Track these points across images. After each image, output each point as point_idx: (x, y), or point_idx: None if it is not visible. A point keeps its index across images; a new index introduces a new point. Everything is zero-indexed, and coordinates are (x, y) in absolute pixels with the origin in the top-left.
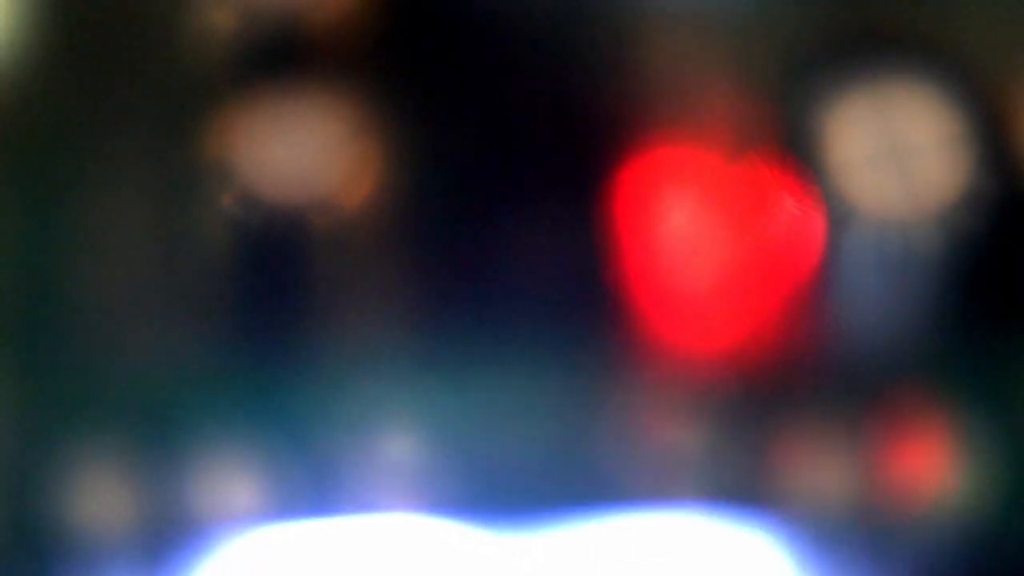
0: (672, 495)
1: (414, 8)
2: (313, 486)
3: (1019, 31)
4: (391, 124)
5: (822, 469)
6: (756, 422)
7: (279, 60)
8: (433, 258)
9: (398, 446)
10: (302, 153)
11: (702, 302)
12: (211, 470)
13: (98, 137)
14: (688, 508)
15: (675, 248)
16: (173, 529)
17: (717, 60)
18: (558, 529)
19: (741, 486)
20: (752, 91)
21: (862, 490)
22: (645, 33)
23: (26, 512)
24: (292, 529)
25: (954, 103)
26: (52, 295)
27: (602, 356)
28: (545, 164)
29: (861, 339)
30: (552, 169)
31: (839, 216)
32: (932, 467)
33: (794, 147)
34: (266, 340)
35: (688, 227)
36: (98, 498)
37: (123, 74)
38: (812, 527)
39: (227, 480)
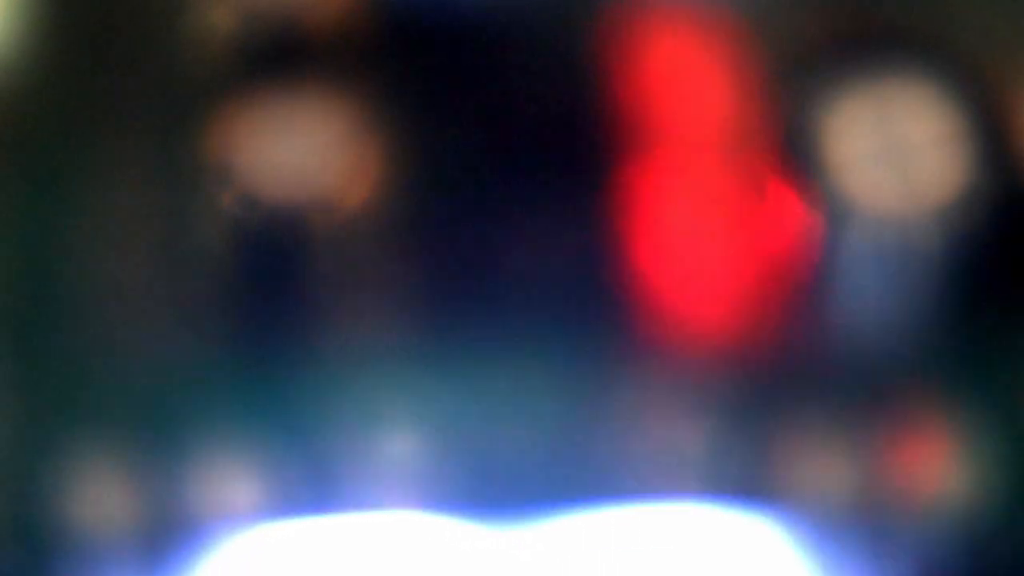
0: (674, 490)
1: (414, 7)
2: (312, 484)
3: (1018, 29)
4: (391, 123)
5: (823, 464)
6: (757, 418)
7: (279, 59)
8: (432, 257)
9: (398, 444)
10: (302, 153)
11: (703, 299)
12: (211, 467)
13: (96, 137)
14: (691, 503)
15: (675, 246)
16: (172, 527)
17: (717, 59)
18: (560, 526)
19: (743, 481)
20: (752, 90)
21: (863, 485)
22: (645, 32)
23: (25, 509)
24: (291, 527)
25: (953, 100)
26: (52, 293)
27: (603, 353)
28: (546, 162)
29: (861, 336)
30: (553, 167)
31: (838, 214)
32: (933, 462)
33: (793, 145)
34: (266, 338)
35: (688, 224)
36: (97, 496)
37: (122, 73)
38: (813, 522)
39: (226, 478)
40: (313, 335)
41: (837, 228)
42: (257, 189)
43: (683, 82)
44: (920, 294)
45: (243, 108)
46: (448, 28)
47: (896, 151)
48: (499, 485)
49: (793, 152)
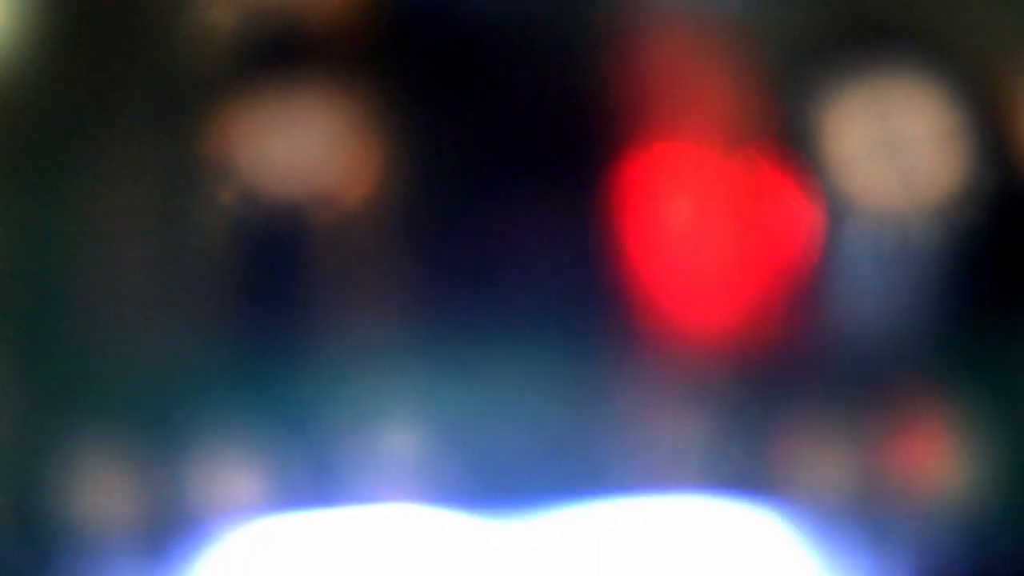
0: (675, 483)
1: (413, 4)
2: (313, 478)
3: (1016, 25)
4: (391, 119)
5: (823, 457)
6: (756, 411)
7: (279, 56)
8: (431, 253)
9: (399, 438)
10: (302, 149)
11: (701, 294)
12: (213, 461)
13: (97, 133)
14: (691, 496)
15: (675, 241)
16: (174, 521)
17: (715, 55)
18: (560, 519)
19: (743, 474)
20: (750, 85)
21: (863, 478)
22: (644, 28)
23: (27, 504)
24: (293, 520)
25: (952, 96)
26: (52, 289)
27: (603, 347)
28: (545, 158)
29: (860, 330)
30: (552, 163)
31: (837, 210)
32: (932, 455)
33: (792, 141)
34: (266, 333)
35: (687, 220)
36: (98, 490)
37: (123, 70)
38: (813, 515)
39: (228, 471)
40: (313, 329)
41: (836, 224)
42: (258, 185)
43: (682, 78)
44: (918, 289)
45: (244, 104)
46: (448, 24)
47: (895, 147)
48: (499, 478)
49: (792, 148)
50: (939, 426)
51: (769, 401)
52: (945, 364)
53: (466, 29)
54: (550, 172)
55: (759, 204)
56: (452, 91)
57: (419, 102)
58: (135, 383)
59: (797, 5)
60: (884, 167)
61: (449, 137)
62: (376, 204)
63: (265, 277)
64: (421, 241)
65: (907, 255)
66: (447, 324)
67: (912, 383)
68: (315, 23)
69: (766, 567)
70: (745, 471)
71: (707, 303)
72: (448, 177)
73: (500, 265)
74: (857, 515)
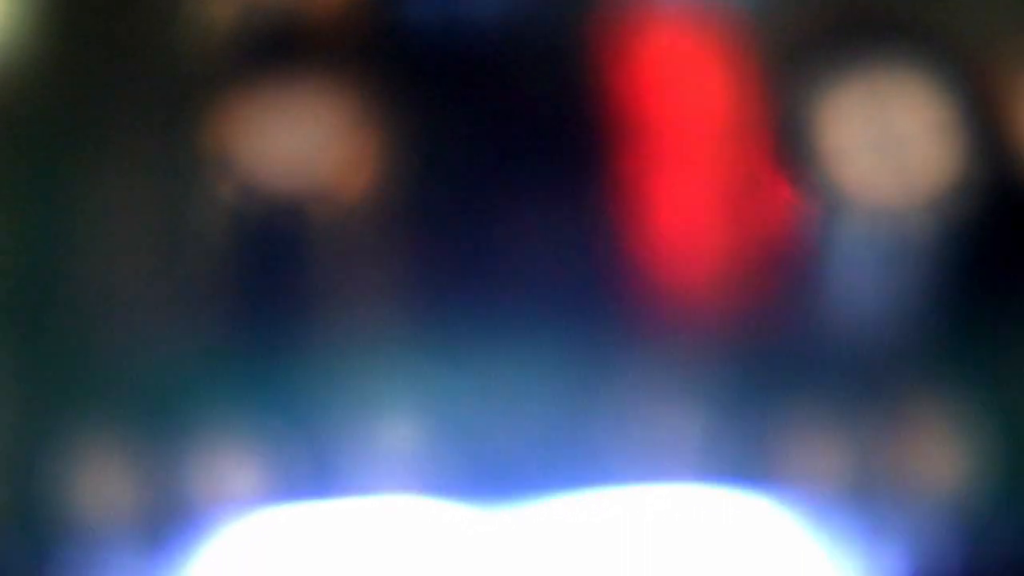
0: (672, 473)
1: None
2: (311, 469)
3: (1012, 19)
4: (390, 114)
5: (821, 447)
6: (753, 402)
7: (279, 51)
8: (430, 246)
9: (396, 429)
10: (302, 144)
11: (700, 286)
12: (211, 453)
13: (97, 128)
14: (689, 486)
15: (672, 234)
16: (173, 512)
17: (712, 51)
18: (558, 508)
19: (741, 464)
20: (747, 81)
21: (860, 468)
22: (641, 25)
23: (27, 495)
24: (291, 511)
25: (947, 91)
26: (53, 283)
27: (600, 338)
28: (544, 153)
29: (856, 322)
30: (551, 157)
31: (833, 203)
32: (929, 445)
33: (788, 136)
34: (265, 326)
35: (684, 213)
36: (98, 481)
37: (123, 65)
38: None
39: (227, 463)
40: (312, 322)
41: (832, 217)
42: (257, 180)
43: (679, 74)
44: (914, 282)
45: (243, 100)
46: (447, 20)
47: (890, 141)
48: (497, 469)
49: (788, 143)
50: (935, 416)
51: (766, 392)
52: (941, 356)
53: (465, 24)
54: (547, 166)
55: (756, 198)
56: (451, 85)
57: (418, 97)
58: (134, 376)
59: (793, 2)
60: (880, 161)
61: (447, 131)
62: (375, 198)
63: (264, 271)
64: (419, 235)
65: (903, 249)
66: (444, 316)
67: (908, 374)
68: (314, 18)
69: (764, 556)
70: (742, 461)
71: (704, 295)
72: (446, 171)
73: (497, 258)
74: (854, 504)
